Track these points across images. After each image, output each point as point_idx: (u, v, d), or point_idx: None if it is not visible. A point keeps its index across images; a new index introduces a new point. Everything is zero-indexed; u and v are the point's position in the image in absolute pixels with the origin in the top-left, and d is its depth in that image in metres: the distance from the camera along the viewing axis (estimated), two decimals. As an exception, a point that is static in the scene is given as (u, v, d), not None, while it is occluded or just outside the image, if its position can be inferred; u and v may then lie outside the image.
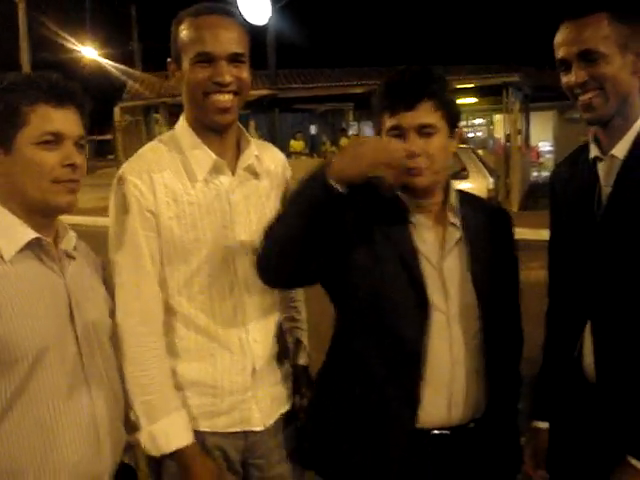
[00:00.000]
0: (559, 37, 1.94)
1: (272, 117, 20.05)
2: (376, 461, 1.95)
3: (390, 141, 1.84)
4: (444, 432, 1.94)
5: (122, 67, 25.95)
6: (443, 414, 1.92)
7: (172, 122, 2.21)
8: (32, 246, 1.66)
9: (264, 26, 15.24)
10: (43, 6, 25.23)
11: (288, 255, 1.78)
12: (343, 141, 21.08)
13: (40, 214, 1.69)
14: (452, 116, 1.94)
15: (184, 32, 1.95)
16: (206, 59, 1.92)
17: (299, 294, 2.36)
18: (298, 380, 2.25)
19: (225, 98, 1.94)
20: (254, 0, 14.84)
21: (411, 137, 1.88)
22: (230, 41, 1.94)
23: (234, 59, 1.95)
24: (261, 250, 1.85)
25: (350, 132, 26.24)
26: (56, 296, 1.68)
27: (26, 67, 22.77)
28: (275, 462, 2.13)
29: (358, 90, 20.24)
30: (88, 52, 28.47)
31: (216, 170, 2.01)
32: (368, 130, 27.03)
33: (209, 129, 2.01)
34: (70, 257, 1.76)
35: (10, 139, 1.63)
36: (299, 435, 2.16)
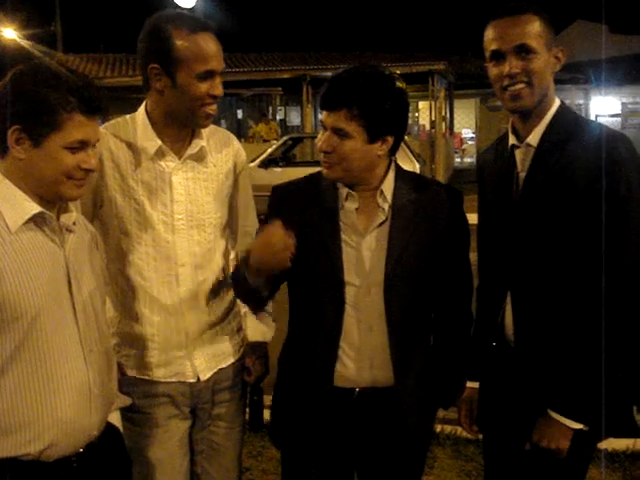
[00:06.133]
0: (493, 31, 2.13)
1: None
2: (305, 418, 2.21)
3: (269, 233, 2.01)
4: (367, 391, 2.18)
5: (43, 48, 25.23)
6: (365, 375, 2.17)
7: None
8: (36, 219, 1.80)
9: (191, 9, 15.11)
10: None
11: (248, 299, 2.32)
12: (260, 127, 20.85)
13: (50, 200, 1.84)
14: (373, 125, 2.07)
15: (184, 46, 2.13)
16: (209, 76, 2.16)
17: None
18: (251, 354, 2.51)
19: (214, 107, 2.21)
20: (181, -17, 14.67)
21: (326, 134, 2.10)
22: (221, 58, 2.19)
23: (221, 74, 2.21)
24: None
25: (277, 117, 26.22)
26: (55, 265, 1.83)
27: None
28: (217, 404, 2.41)
29: (286, 75, 20.25)
30: (7, 32, 27.59)
31: (161, 154, 2.25)
32: (295, 115, 27.07)
33: (177, 122, 2.24)
34: (69, 231, 1.90)
35: (42, 137, 1.75)
36: (253, 406, 2.50)
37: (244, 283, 2.12)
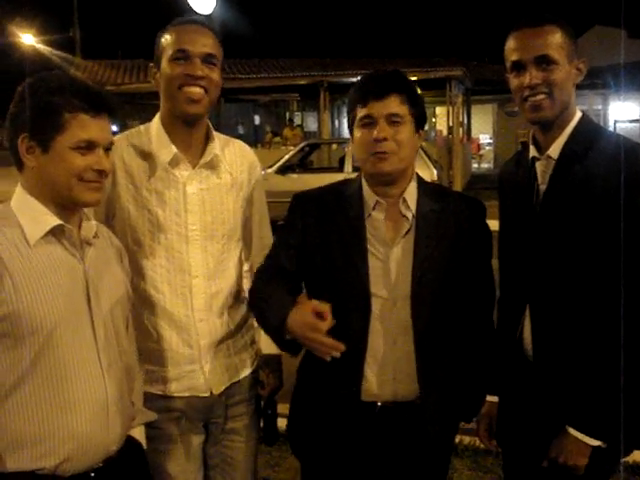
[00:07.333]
0: (515, 42, 2.12)
1: (217, 107, 19.96)
2: (327, 430, 2.19)
3: (302, 314, 1.93)
4: (389, 405, 2.15)
5: (62, 54, 25.39)
6: (387, 389, 2.14)
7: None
8: (55, 232, 1.79)
9: (209, 16, 15.19)
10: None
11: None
12: (286, 132, 21.07)
13: (67, 206, 1.83)
14: (418, 115, 2.13)
15: (165, 38, 2.21)
16: (183, 56, 2.16)
17: None
18: (265, 368, 2.49)
19: (196, 90, 2.17)
20: (199, -11, 14.71)
21: (380, 124, 2.06)
22: (204, 44, 2.19)
23: (207, 60, 2.19)
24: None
25: (295, 123, 26.28)
26: (74, 279, 1.81)
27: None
28: (231, 419, 2.39)
29: (303, 81, 20.28)
30: (26, 38, 27.77)
31: (176, 163, 2.23)
32: (312, 120, 27.10)
33: (180, 122, 2.22)
34: (89, 244, 1.89)
35: (49, 141, 1.76)
36: (266, 419, 2.47)
37: (275, 336, 2.09)
